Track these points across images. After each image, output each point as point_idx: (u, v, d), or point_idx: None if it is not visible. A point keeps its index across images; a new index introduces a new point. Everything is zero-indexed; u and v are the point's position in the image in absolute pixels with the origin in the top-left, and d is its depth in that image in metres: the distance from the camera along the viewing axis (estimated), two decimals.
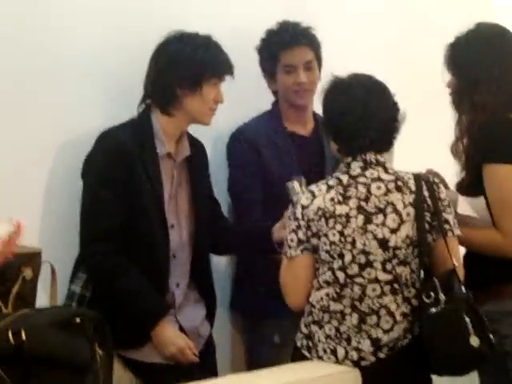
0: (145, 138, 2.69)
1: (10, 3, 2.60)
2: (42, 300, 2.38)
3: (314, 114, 3.16)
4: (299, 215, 2.48)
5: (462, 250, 2.64)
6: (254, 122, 3.11)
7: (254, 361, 3.02)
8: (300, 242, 2.49)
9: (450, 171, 2.73)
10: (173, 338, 2.66)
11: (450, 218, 2.49)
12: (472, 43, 2.70)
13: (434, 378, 2.55)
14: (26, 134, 2.65)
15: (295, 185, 2.68)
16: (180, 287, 2.76)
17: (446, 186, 2.71)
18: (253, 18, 3.10)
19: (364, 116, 2.46)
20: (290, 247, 2.50)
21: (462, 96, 2.69)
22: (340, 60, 3.01)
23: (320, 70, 3.06)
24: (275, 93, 3.12)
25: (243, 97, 3.07)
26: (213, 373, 2.78)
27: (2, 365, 2.04)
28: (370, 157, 2.49)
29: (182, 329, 2.74)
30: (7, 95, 2.60)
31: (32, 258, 2.33)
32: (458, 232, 2.50)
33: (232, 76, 2.76)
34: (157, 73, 2.71)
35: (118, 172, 2.62)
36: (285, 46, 3.01)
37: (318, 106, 3.01)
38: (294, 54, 3.02)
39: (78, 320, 2.16)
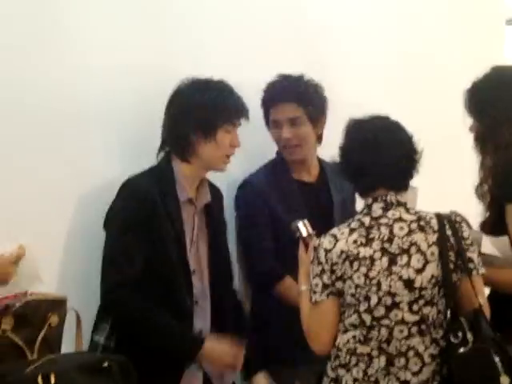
0: (166, 185, 2.69)
1: (35, 52, 2.64)
2: (65, 347, 2.37)
3: (320, 161, 3.18)
4: (323, 259, 2.47)
5: (487, 291, 2.63)
6: (260, 171, 3.13)
7: None
8: (325, 286, 2.47)
9: (473, 212, 2.74)
10: (223, 350, 2.66)
11: (474, 256, 2.48)
12: (489, 86, 2.75)
13: None
14: (49, 180, 2.66)
15: (301, 224, 2.65)
16: (203, 333, 2.74)
17: (469, 226, 2.71)
18: (268, 66, 3.15)
19: (372, 153, 2.47)
20: (314, 292, 2.48)
21: (485, 138, 2.72)
22: (358, 102, 3.03)
23: (317, 123, 3.07)
24: None
25: (258, 142, 3.10)
26: None
27: None
28: (391, 198, 2.50)
29: (205, 375, 2.72)
30: (30, 141, 2.62)
31: (58, 305, 2.32)
32: (482, 270, 2.49)
33: (247, 119, 2.77)
34: (171, 120, 2.72)
35: (141, 219, 2.61)
36: (271, 103, 3.06)
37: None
38: (278, 110, 3.05)
39: (105, 364, 2.13)
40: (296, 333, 2.88)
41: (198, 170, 2.76)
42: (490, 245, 2.66)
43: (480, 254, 2.56)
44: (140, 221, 2.61)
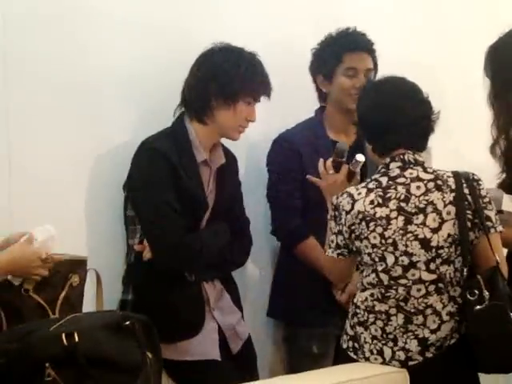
0: (183, 146, 2.73)
1: (52, 24, 2.67)
2: (86, 307, 2.41)
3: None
4: (343, 221, 2.49)
5: (505, 251, 2.63)
6: (296, 128, 3.09)
7: (294, 372, 3.00)
8: (337, 246, 2.51)
9: (490, 171, 2.74)
10: None
11: (492, 214, 2.48)
12: (506, 44, 2.72)
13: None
14: (66, 146, 2.69)
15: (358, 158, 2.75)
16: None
17: None
18: (289, 33, 3.17)
19: (393, 112, 2.48)
20: (329, 246, 2.54)
21: (497, 97, 2.70)
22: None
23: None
24: (322, 95, 3.10)
25: (277, 110, 3.09)
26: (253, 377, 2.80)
27: (55, 366, 2.04)
28: (409, 156, 2.50)
29: (219, 326, 2.79)
30: (47, 109, 2.65)
31: (79, 266, 2.37)
32: (500, 228, 2.48)
33: (268, 98, 2.79)
34: (196, 80, 2.74)
35: (166, 177, 2.66)
36: (352, 48, 3.00)
37: None
38: (360, 58, 3.01)
39: (127, 323, 2.15)
40: (317, 296, 2.94)
41: (213, 133, 2.79)
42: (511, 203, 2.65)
43: (501, 212, 2.56)
44: (165, 179, 2.66)
